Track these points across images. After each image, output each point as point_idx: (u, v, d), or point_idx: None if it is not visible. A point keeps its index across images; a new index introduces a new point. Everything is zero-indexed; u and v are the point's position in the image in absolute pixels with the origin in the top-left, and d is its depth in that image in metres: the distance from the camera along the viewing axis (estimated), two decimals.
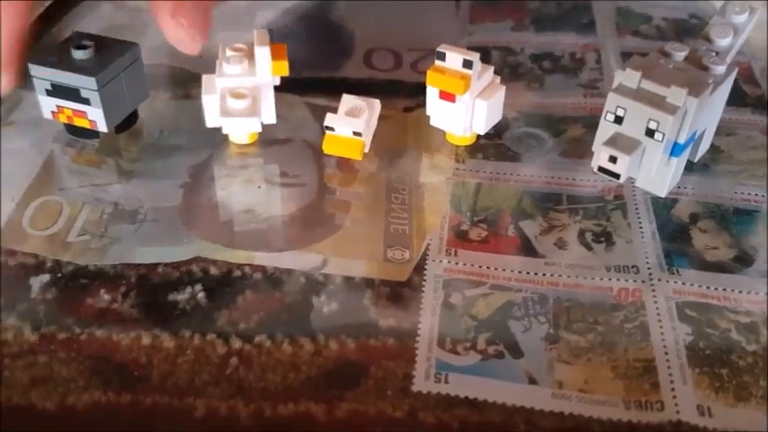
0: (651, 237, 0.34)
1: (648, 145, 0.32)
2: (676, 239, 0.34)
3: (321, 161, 0.38)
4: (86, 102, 0.35)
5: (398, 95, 0.43)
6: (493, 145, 0.39)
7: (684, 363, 0.29)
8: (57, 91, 0.36)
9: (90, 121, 0.36)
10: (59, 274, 0.32)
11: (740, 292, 0.32)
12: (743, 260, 0.34)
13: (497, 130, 0.39)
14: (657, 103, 0.31)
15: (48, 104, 0.37)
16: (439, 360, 0.29)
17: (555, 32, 0.49)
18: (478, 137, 0.39)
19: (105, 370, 0.29)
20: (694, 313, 0.31)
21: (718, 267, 0.33)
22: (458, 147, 0.39)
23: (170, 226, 0.34)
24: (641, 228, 0.35)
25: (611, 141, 0.32)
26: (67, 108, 0.36)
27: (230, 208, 0.36)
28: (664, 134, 0.31)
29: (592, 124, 0.41)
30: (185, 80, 0.43)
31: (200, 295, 0.32)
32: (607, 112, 0.32)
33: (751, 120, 0.42)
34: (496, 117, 0.38)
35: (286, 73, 0.37)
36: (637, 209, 0.36)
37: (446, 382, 0.28)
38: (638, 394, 0.28)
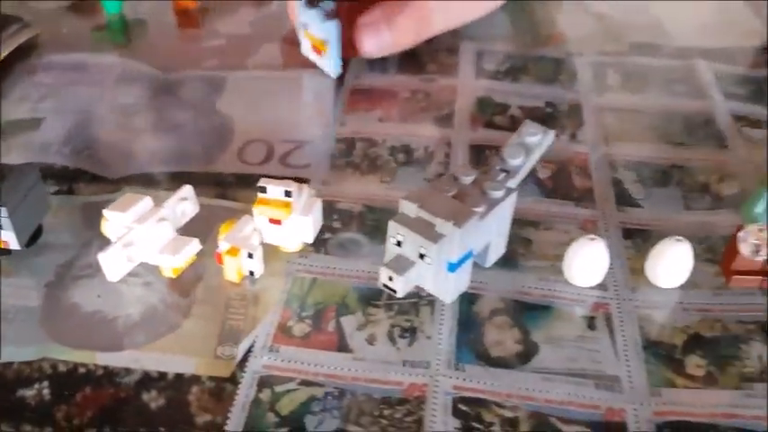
0: (449, 333, 0.39)
1: (423, 265, 0.37)
2: (471, 335, 0.39)
3: None
4: None
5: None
6: (330, 239, 0.44)
7: None
8: None
9: (3, 241, 0.41)
10: None
11: (511, 387, 0.37)
12: (523, 356, 0.38)
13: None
14: (427, 232, 0.36)
15: None
16: None
17: (416, 124, 0.54)
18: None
19: None
20: (467, 408, 0.36)
21: (501, 363, 0.38)
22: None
23: (27, 325, 0.39)
24: (441, 324, 0.40)
25: (390, 263, 0.37)
26: None
27: (81, 308, 0.41)
28: (432, 258, 0.36)
29: None
30: (64, 176, 0.48)
31: (45, 392, 0.37)
32: (389, 236, 0.37)
33: (571, 213, 0.47)
34: (319, 224, 0.43)
35: None
36: (442, 305, 0.41)
37: None
38: None
